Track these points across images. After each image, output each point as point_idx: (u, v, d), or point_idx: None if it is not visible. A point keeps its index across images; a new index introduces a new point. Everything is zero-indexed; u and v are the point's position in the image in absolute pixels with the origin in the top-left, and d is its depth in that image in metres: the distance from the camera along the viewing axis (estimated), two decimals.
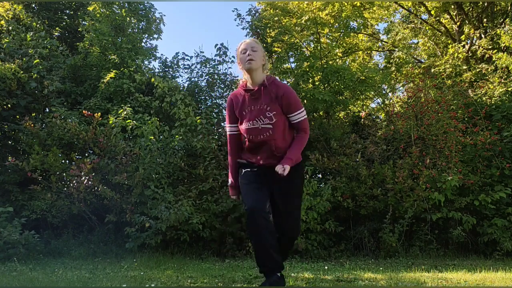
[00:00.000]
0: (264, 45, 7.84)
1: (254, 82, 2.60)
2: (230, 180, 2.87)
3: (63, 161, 5.67)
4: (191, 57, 7.69)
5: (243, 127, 2.62)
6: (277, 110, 2.54)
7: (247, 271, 3.88)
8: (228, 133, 2.77)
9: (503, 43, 8.10)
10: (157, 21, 8.31)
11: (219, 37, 34.00)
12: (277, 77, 2.76)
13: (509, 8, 9.77)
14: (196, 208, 5.50)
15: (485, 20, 10.20)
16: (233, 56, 7.44)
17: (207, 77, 7.42)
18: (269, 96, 2.56)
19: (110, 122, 5.64)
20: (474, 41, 9.83)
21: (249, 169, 2.71)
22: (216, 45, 7.43)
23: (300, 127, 2.63)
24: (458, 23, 10.28)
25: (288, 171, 2.47)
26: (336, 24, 8.51)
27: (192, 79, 7.54)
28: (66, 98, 6.64)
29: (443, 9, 10.54)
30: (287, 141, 2.63)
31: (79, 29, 7.95)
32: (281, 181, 2.56)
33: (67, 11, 8.87)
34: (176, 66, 7.83)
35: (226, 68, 7.58)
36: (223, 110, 7.00)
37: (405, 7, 11.45)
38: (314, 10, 8.12)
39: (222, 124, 6.98)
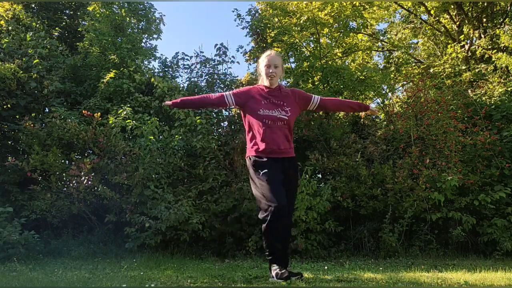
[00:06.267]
0: (264, 45, 7.84)
1: (271, 86, 3.17)
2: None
3: (63, 161, 5.66)
4: (191, 57, 7.69)
5: (260, 113, 3.06)
6: (292, 105, 3.13)
7: (247, 271, 3.88)
8: (224, 93, 3.21)
9: (503, 43, 8.11)
10: (157, 21, 8.31)
11: (219, 37, 34.03)
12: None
13: (509, 8, 9.78)
14: (196, 208, 5.51)
15: (484, 20, 10.20)
16: (233, 56, 7.46)
17: (207, 77, 7.41)
18: (285, 95, 3.16)
19: (110, 122, 5.64)
20: (473, 41, 9.84)
21: (266, 164, 3.01)
22: (216, 45, 7.44)
23: (323, 98, 3.30)
24: (457, 23, 10.29)
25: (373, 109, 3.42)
26: (336, 24, 8.51)
27: (192, 79, 7.53)
28: (66, 98, 6.63)
29: (443, 9, 10.55)
30: (292, 136, 3.19)
31: (79, 29, 7.95)
32: (291, 167, 3.11)
33: (67, 11, 8.87)
34: (175, 66, 7.82)
35: (225, 68, 7.56)
36: (223, 110, 7.00)
37: (405, 7, 11.46)
38: (314, 10, 8.11)
39: (222, 124, 6.98)
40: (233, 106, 3.22)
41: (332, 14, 8.36)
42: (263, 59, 3.18)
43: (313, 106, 3.25)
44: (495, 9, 10.05)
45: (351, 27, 8.97)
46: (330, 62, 7.88)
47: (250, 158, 3.11)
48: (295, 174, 3.18)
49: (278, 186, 2.95)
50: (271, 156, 3.03)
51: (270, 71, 3.11)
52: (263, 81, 3.20)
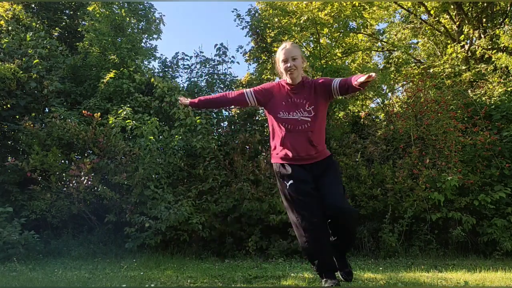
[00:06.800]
0: (264, 45, 7.84)
1: (293, 81, 2.83)
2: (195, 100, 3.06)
3: (62, 161, 5.66)
4: (191, 57, 7.70)
5: (280, 116, 2.78)
6: (315, 102, 2.77)
7: (246, 271, 3.89)
8: (244, 90, 2.94)
9: (502, 43, 8.11)
10: (157, 21, 8.31)
11: (219, 37, 34.01)
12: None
13: (509, 8, 9.78)
14: (195, 208, 5.51)
15: (484, 20, 10.20)
16: (233, 56, 7.46)
17: (207, 77, 7.41)
18: (307, 91, 2.80)
19: (110, 122, 5.64)
20: (473, 41, 9.84)
21: (291, 174, 2.77)
22: (216, 45, 7.44)
23: (342, 81, 2.73)
24: (457, 23, 10.29)
25: (374, 75, 2.50)
26: (336, 24, 8.51)
27: (192, 79, 7.53)
28: (65, 98, 6.63)
29: (443, 9, 10.55)
30: (323, 134, 2.86)
31: (78, 29, 7.94)
32: (323, 166, 2.80)
33: (67, 11, 8.86)
34: (175, 66, 7.82)
35: (225, 68, 7.57)
36: (223, 110, 7.01)
37: (405, 7, 11.46)
38: (314, 10, 8.11)
39: (222, 124, 6.98)
40: (254, 105, 2.94)
41: (332, 14, 8.36)
42: (279, 54, 2.85)
43: (336, 94, 2.76)
44: (495, 9, 10.04)
45: (351, 27, 8.97)
46: (330, 62, 7.88)
47: (277, 165, 2.86)
48: (331, 169, 2.82)
49: (308, 201, 2.71)
50: (295, 163, 2.77)
51: (289, 65, 2.76)
52: (285, 77, 2.87)
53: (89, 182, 5.53)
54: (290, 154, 2.77)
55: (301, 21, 7.80)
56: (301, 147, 2.75)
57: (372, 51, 12.36)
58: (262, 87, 2.93)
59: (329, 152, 2.90)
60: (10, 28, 6.86)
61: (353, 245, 2.90)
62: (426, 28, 11.37)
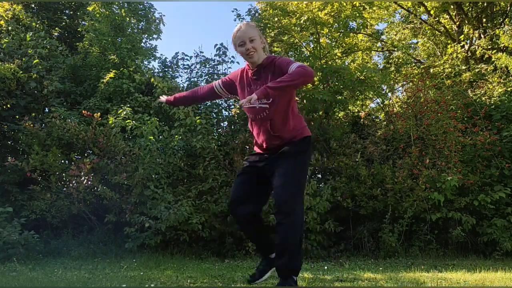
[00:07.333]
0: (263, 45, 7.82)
1: (254, 65, 2.64)
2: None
3: (62, 161, 5.66)
4: (191, 57, 7.69)
5: (244, 105, 2.58)
6: None
7: (246, 271, 3.88)
8: (213, 83, 2.83)
9: (502, 43, 8.11)
10: (157, 21, 8.32)
11: (219, 37, 34.04)
12: (277, 55, 2.81)
13: (509, 8, 9.79)
14: (195, 208, 5.50)
15: (484, 20, 10.21)
16: (232, 56, 7.43)
17: (207, 77, 7.41)
18: (266, 75, 2.58)
19: (110, 122, 5.64)
20: (473, 41, 9.84)
21: (248, 160, 2.79)
22: (216, 45, 7.43)
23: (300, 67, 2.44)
24: (457, 23, 10.29)
25: (253, 100, 2.28)
26: (336, 24, 8.50)
27: (192, 79, 7.52)
28: (65, 98, 6.63)
29: (443, 9, 10.56)
30: (289, 122, 2.57)
31: (78, 29, 7.94)
32: (283, 155, 2.54)
33: (67, 11, 8.87)
34: (175, 66, 7.82)
35: (225, 68, 7.56)
36: (223, 110, 7.01)
37: (405, 7, 11.46)
38: (314, 10, 8.11)
39: (222, 124, 6.98)
40: (227, 96, 2.84)
41: (332, 14, 8.35)
42: (234, 38, 2.61)
43: None
44: (495, 9, 10.05)
45: (351, 27, 8.96)
46: (330, 62, 7.87)
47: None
48: (287, 156, 2.54)
49: (240, 182, 2.69)
50: (262, 152, 2.68)
51: (246, 48, 2.54)
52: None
53: (89, 182, 5.52)
54: (257, 143, 2.71)
55: (301, 21, 7.79)
56: (263, 137, 2.61)
57: (372, 51, 12.36)
58: (229, 77, 2.79)
59: (301, 134, 2.60)
60: (10, 28, 6.86)
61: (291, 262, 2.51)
62: (426, 28, 11.38)
